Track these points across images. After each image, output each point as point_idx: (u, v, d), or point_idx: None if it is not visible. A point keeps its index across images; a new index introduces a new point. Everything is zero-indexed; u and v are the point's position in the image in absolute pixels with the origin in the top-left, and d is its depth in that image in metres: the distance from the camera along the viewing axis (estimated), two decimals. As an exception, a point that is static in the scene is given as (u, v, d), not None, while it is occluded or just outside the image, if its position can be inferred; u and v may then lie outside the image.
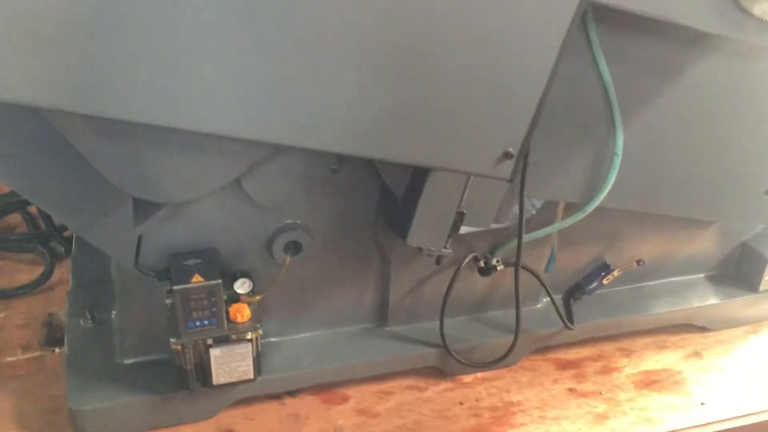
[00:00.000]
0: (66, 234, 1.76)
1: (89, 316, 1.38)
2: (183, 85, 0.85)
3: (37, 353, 1.45)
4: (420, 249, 1.21)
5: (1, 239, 1.78)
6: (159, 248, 1.19)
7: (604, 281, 1.55)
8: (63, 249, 1.74)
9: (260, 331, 1.23)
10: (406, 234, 1.18)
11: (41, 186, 1.07)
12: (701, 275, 1.69)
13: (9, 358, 1.43)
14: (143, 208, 1.11)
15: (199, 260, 1.18)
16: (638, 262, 1.55)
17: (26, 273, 1.69)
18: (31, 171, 1.05)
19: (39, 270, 1.68)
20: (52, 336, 1.49)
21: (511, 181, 1.05)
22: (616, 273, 1.55)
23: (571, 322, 1.51)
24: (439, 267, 1.39)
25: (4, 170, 1.03)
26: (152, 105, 0.85)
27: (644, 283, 1.64)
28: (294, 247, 1.26)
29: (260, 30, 0.84)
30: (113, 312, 1.39)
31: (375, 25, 0.87)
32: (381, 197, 1.26)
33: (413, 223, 1.16)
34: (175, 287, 1.13)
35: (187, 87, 0.85)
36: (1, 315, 1.55)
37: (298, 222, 1.25)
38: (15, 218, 1.89)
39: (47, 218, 1.67)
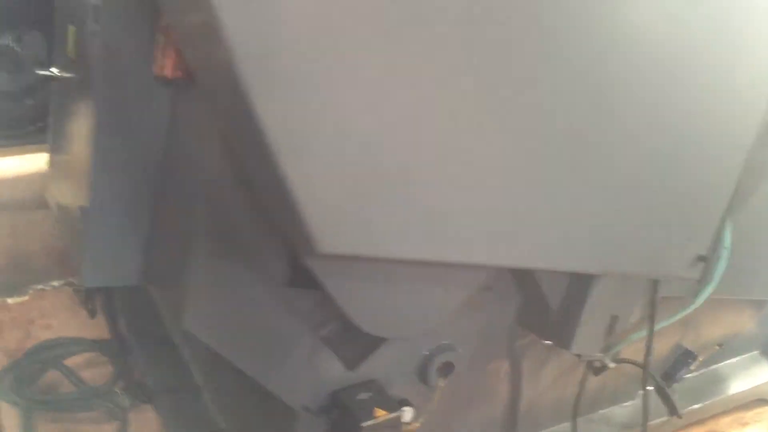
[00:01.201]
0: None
1: (219, 472, 1.28)
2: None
3: None
4: (578, 356, 1.24)
5: (55, 400, 1.62)
6: (316, 386, 1.15)
7: (692, 367, 1.62)
8: (128, 403, 1.61)
9: (430, 461, 1.19)
10: (570, 343, 1.21)
11: (237, 340, 1.04)
12: (756, 352, 1.81)
13: None
14: (357, 350, 1.09)
15: (369, 393, 1.15)
16: (719, 345, 1.64)
17: (93, 435, 1.55)
18: (230, 326, 1.02)
19: (103, 428, 1.55)
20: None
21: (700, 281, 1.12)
22: (701, 359, 1.63)
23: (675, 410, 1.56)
24: (560, 371, 1.42)
25: (205, 329, 1.00)
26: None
27: (716, 365, 1.74)
28: (446, 368, 1.25)
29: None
30: (242, 463, 1.30)
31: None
32: (526, 308, 1.29)
33: (577, 331, 1.20)
34: (363, 424, 1.09)
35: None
36: (87, 486, 1.40)
37: (448, 342, 1.24)
38: (54, 375, 1.74)
39: (127, 369, 1.54)
